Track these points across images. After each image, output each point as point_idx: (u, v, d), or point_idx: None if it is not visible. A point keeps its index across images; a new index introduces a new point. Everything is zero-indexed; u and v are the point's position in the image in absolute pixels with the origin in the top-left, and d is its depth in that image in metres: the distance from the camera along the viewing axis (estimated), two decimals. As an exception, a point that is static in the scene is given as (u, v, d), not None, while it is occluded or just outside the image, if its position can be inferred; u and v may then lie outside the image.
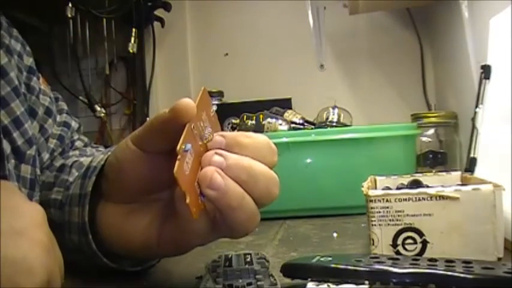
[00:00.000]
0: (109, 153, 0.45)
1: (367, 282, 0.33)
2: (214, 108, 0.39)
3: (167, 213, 0.41)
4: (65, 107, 0.64)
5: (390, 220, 0.44)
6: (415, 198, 0.44)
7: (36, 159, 0.53)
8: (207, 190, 0.34)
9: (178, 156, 0.32)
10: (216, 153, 0.35)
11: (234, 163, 0.35)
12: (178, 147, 0.33)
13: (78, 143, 0.62)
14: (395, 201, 0.44)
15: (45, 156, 0.57)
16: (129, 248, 0.43)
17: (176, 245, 0.41)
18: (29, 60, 0.57)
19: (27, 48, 0.58)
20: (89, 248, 0.44)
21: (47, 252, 0.29)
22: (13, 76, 0.51)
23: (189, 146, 0.34)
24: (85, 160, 0.53)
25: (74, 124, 0.63)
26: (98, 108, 1.33)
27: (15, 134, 0.49)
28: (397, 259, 0.36)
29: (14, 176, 0.48)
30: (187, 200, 0.32)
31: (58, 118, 0.61)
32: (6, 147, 0.48)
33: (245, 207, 0.36)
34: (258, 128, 0.99)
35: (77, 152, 0.60)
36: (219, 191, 0.34)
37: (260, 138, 0.38)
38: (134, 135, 0.40)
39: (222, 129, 0.41)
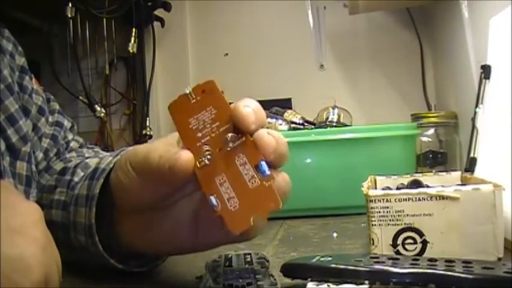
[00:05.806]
0: (118, 156, 0.44)
1: (367, 282, 0.33)
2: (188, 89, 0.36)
3: (193, 210, 0.40)
4: (57, 107, 0.63)
5: (390, 220, 0.44)
6: (415, 198, 0.44)
7: (32, 156, 0.52)
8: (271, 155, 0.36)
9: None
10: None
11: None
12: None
13: (73, 144, 0.62)
14: (395, 201, 0.44)
15: (39, 155, 0.56)
16: (161, 251, 0.43)
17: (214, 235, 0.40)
18: (21, 60, 0.57)
19: (19, 48, 0.58)
20: (95, 249, 0.43)
21: (44, 250, 0.29)
22: (6, 74, 0.51)
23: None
24: (91, 161, 0.53)
25: (67, 123, 0.63)
26: (98, 108, 1.32)
27: (10, 131, 0.49)
28: (397, 259, 0.36)
29: (9, 173, 0.48)
30: None
31: (50, 118, 0.60)
32: (1, 144, 0.48)
33: None
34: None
35: (74, 154, 0.60)
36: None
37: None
38: (135, 161, 0.39)
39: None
